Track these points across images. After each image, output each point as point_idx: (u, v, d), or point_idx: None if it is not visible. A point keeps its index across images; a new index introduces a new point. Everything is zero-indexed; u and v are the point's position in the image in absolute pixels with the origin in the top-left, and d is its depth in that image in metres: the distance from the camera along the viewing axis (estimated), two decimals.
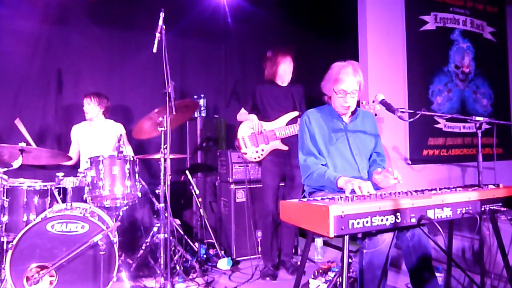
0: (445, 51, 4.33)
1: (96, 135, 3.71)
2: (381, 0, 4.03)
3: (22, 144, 2.81)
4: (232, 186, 3.68)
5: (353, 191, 1.97)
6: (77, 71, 4.16)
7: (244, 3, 4.72)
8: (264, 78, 3.45)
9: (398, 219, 1.73)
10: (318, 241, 3.85)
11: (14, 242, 2.52)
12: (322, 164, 2.34)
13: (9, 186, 2.93)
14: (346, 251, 1.66)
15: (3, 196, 2.83)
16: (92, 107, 3.62)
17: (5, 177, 2.85)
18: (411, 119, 2.20)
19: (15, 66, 3.93)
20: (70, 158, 3.34)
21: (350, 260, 2.73)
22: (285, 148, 3.35)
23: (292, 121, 3.36)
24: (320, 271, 3.04)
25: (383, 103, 2.23)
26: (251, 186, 3.71)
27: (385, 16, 4.04)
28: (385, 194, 1.88)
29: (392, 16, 4.08)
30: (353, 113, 2.47)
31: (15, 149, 2.87)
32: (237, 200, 3.69)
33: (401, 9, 4.10)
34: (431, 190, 2.03)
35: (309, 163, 2.34)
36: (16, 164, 2.81)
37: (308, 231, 1.99)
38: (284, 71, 3.35)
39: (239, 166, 3.72)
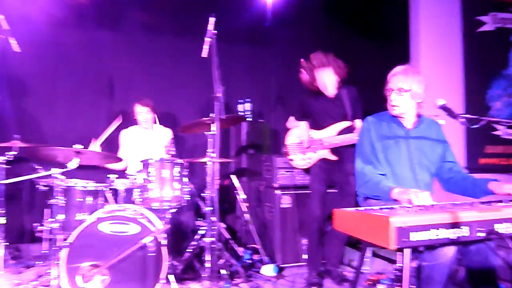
0: (504, 54, 4.08)
1: (145, 140, 3.80)
2: (435, 1, 3.86)
3: (77, 147, 2.92)
4: (277, 191, 3.64)
5: (409, 202, 1.87)
6: (127, 78, 4.30)
7: (290, 7, 4.69)
8: (307, 87, 3.31)
9: (463, 233, 1.61)
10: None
11: (70, 241, 2.61)
12: (380, 174, 2.25)
13: (65, 186, 3.05)
14: (407, 265, 1.56)
15: (61, 196, 2.94)
16: (145, 113, 3.71)
17: (63, 177, 2.97)
18: (475, 125, 2.07)
19: (71, 73, 4.13)
20: (120, 160, 3.43)
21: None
22: (334, 158, 3.23)
23: (344, 131, 3.23)
24: (370, 282, 2.93)
25: (444, 108, 2.11)
26: (297, 191, 3.65)
27: (439, 17, 3.87)
28: (447, 205, 1.76)
29: (447, 17, 3.91)
30: (417, 119, 2.37)
31: (71, 151, 2.98)
32: (282, 206, 3.64)
33: (456, 10, 3.92)
34: (497, 202, 1.89)
35: (366, 171, 2.27)
36: (71, 165, 2.91)
37: (363, 242, 1.91)
38: (324, 82, 3.19)
39: (284, 171, 3.68)
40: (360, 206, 2.35)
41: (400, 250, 1.55)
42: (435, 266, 1.82)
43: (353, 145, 3.19)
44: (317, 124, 3.32)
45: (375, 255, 3.97)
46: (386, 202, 2.09)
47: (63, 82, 4.13)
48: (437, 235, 1.56)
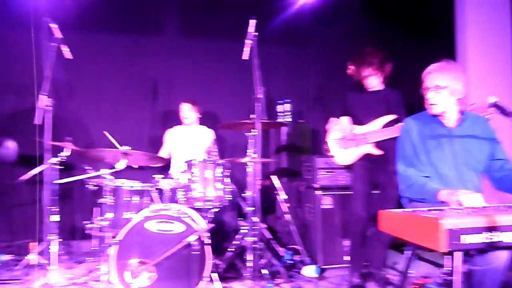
0: None
1: (188, 139, 3.90)
2: None
3: (125, 148, 3.04)
4: (318, 192, 3.62)
5: (459, 204, 1.81)
6: (170, 80, 4.43)
7: (329, 7, 4.65)
8: (353, 83, 3.34)
9: None
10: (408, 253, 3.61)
11: (119, 238, 2.72)
12: (424, 176, 2.19)
13: (113, 186, 3.18)
14: (457, 269, 1.52)
15: (109, 195, 3.08)
16: (190, 113, 3.82)
17: (111, 177, 3.10)
18: None
19: (117, 76, 4.31)
20: (165, 161, 3.54)
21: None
22: (379, 152, 3.16)
23: (388, 125, 3.16)
24: (415, 286, 2.85)
25: (496, 105, 2.02)
26: (339, 192, 3.61)
27: (487, 9, 3.69)
28: (501, 207, 1.69)
29: (495, 10, 3.72)
30: (459, 117, 2.28)
31: (118, 152, 3.12)
32: (323, 207, 3.61)
33: (506, 3, 3.73)
34: None
35: (410, 174, 2.21)
36: (119, 166, 3.04)
37: (411, 245, 1.87)
38: (372, 82, 3.22)
39: (325, 171, 3.65)
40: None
41: (450, 253, 1.51)
42: (487, 271, 1.75)
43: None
44: (360, 120, 3.26)
45: (419, 258, 3.87)
46: (432, 205, 2.03)
47: (109, 85, 4.32)
48: (490, 238, 1.50)
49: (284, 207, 3.71)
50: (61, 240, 3.38)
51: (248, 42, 2.92)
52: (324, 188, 3.62)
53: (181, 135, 3.95)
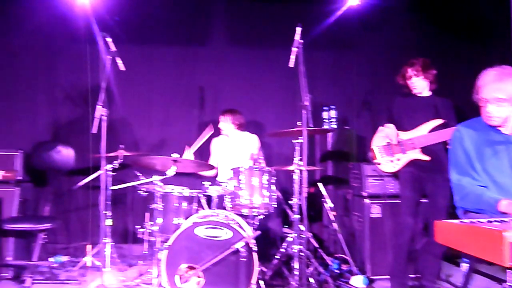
0: None
1: (233, 147, 3.96)
2: None
3: (175, 155, 3.13)
4: (366, 200, 3.54)
5: None
6: (217, 88, 4.53)
7: (375, 10, 4.56)
8: (400, 89, 3.25)
9: None
10: (464, 266, 3.43)
11: (169, 243, 2.80)
12: (480, 185, 2.08)
13: (163, 192, 3.28)
14: None
15: (160, 201, 3.18)
16: (226, 124, 3.89)
17: (161, 184, 3.21)
18: None
19: (166, 86, 4.47)
20: (213, 168, 3.61)
21: None
22: (426, 158, 3.04)
23: (436, 130, 3.05)
24: None
25: None
26: (388, 201, 3.50)
27: None
28: None
29: None
30: None
31: (169, 159, 3.21)
32: (372, 216, 3.52)
33: None
34: None
35: (464, 184, 2.11)
36: (170, 173, 3.13)
37: (469, 257, 1.78)
38: (416, 84, 3.12)
39: (373, 179, 3.56)
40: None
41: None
42: None
43: (446, 149, 3.01)
44: (407, 126, 3.16)
45: (475, 271, 3.66)
46: (491, 216, 1.92)
47: (158, 95, 4.48)
48: None
49: (331, 215, 3.65)
50: (114, 243, 3.54)
51: (294, 49, 2.93)
52: (372, 196, 3.53)
53: (226, 143, 4.02)
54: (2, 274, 3.37)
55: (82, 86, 4.34)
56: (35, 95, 4.33)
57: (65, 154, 3.88)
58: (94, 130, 3.04)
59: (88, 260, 3.58)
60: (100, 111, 3.10)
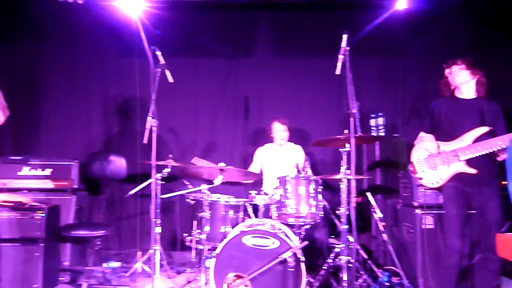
0: None
1: (279, 156, 3.96)
2: None
3: (222, 164, 3.18)
4: (418, 210, 3.39)
5: None
6: (261, 98, 4.57)
7: (423, 14, 4.42)
8: (443, 93, 3.05)
9: None
10: None
11: (217, 252, 2.83)
12: None
13: (210, 200, 3.33)
14: None
15: (207, 210, 3.23)
16: (286, 133, 3.91)
17: (208, 192, 3.26)
18: None
19: (212, 97, 4.57)
20: (258, 177, 3.62)
21: None
22: (472, 171, 2.80)
23: (481, 139, 2.81)
24: None
25: None
26: (441, 211, 3.33)
27: None
28: None
29: None
30: None
31: (215, 169, 3.26)
32: (424, 227, 3.37)
33: None
34: None
35: None
36: (217, 181, 3.18)
37: None
38: (459, 79, 2.90)
39: (425, 189, 3.40)
40: None
41: None
42: None
43: (494, 159, 2.82)
44: (449, 135, 2.94)
45: None
46: None
47: (204, 105, 4.59)
48: None
49: (380, 225, 3.53)
50: (163, 250, 3.62)
51: (340, 57, 2.89)
52: (424, 207, 3.38)
53: (272, 153, 4.03)
54: (60, 278, 3.55)
55: (132, 98, 4.54)
56: (89, 108, 4.58)
57: (117, 163, 4.05)
58: (145, 140, 3.14)
59: (138, 266, 3.70)
60: (150, 122, 3.21)
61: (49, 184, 3.72)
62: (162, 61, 3.41)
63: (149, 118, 3.22)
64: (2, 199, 3.32)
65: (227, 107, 4.58)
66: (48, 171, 3.73)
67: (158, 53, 3.39)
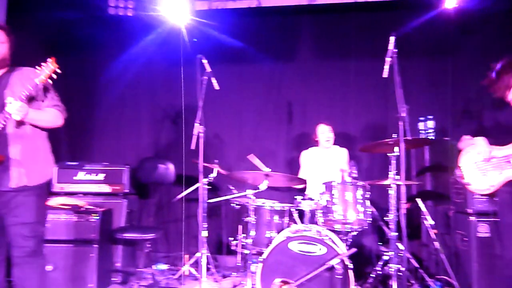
0: None
1: (323, 160, 3.92)
2: None
3: (267, 170, 3.20)
4: (472, 218, 3.23)
5: None
6: (304, 103, 4.55)
7: (474, 12, 4.22)
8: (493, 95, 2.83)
9: None
10: None
11: (263, 257, 2.84)
12: None
13: (256, 205, 3.35)
14: None
15: (252, 214, 3.25)
16: (331, 134, 3.87)
17: (253, 197, 3.28)
18: None
19: (255, 102, 4.61)
20: (304, 182, 3.60)
21: None
22: None
23: None
24: None
25: None
26: (498, 219, 3.15)
27: None
28: None
29: None
30: None
31: (260, 174, 3.28)
32: (479, 235, 3.20)
33: None
34: None
35: None
36: (262, 187, 3.19)
37: None
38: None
39: (480, 195, 3.23)
40: None
41: None
42: None
43: None
44: (502, 140, 2.76)
45: None
46: None
47: (248, 111, 4.65)
48: None
49: (432, 233, 3.40)
50: (209, 254, 3.69)
51: (388, 59, 2.82)
52: (479, 214, 3.21)
53: (316, 157, 3.99)
54: (112, 279, 3.70)
55: (178, 105, 4.66)
56: (139, 116, 4.78)
57: (166, 168, 4.18)
58: (193, 146, 3.23)
59: (186, 269, 3.79)
60: (198, 128, 3.29)
61: (102, 188, 3.91)
62: (208, 69, 3.49)
63: (196, 125, 3.30)
64: (60, 202, 3.53)
65: (271, 113, 4.60)
66: (101, 176, 3.93)
67: (205, 61, 3.48)
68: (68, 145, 4.65)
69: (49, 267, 3.08)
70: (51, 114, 2.39)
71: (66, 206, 3.44)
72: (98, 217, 3.38)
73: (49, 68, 2.22)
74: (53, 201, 3.49)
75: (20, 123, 2.27)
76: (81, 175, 3.93)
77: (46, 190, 2.44)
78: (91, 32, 4.76)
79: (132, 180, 4.07)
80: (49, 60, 2.24)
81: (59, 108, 2.43)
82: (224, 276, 3.85)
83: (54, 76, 2.28)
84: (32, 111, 2.27)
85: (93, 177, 3.93)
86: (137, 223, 4.27)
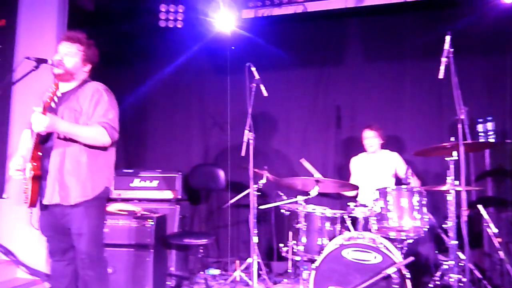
0: None
1: (373, 165, 3.82)
2: None
3: (317, 176, 3.16)
4: None
5: None
6: (353, 106, 4.46)
7: None
8: None
9: None
10: None
11: (317, 264, 2.80)
12: None
13: (306, 212, 3.32)
14: None
15: (303, 221, 3.22)
16: (374, 140, 3.77)
17: (304, 204, 3.25)
18: None
19: (302, 107, 4.59)
20: (356, 188, 3.53)
21: None
22: None
23: None
24: None
25: None
26: None
27: None
28: None
29: None
30: None
31: (311, 180, 3.25)
32: None
33: None
34: None
35: None
36: (313, 193, 3.16)
37: None
38: None
39: None
40: None
41: None
42: None
43: None
44: None
45: None
46: None
47: (296, 116, 4.62)
48: None
49: (496, 242, 3.20)
50: (260, 260, 3.69)
51: (443, 59, 2.71)
52: None
53: (366, 162, 3.90)
54: (167, 283, 3.81)
55: (226, 113, 4.75)
56: (189, 124, 4.91)
57: (216, 175, 4.25)
58: (243, 153, 3.26)
59: (237, 274, 3.82)
60: (247, 135, 3.32)
61: (156, 195, 4.05)
62: (256, 76, 3.53)
63: (246, 131, 3.34)
64: (118, 208, 3.70)
65: (318, 117, 4.55)
66: (155, 183, 4.08)
67: (253, 68, 3.51)
68: (125, 153, 4.86)
69: (109, 270, 3.22)
70: (93, 131, 2.24)
71: (123, 212, 3.59)
72: (153, 223, 3.49)
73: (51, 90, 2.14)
74: (111, 207, 3.66)
75: (59, 137, 2.23)
76: (136, 182, 4.10)
77: (100, 201, 2.37)
78: (143, 44, 4.98)
79: (184, 186, 4.18)
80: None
81: (106, 125, 2.26)
82: (275, 283, 3.85)
83: (56, 99, 2.24)
84: (64, 123, 2.19)
85: (147, 183, 4.09)
86: (189, 228, 4.37)
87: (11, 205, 3.91)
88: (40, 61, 2.21)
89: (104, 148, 2.34)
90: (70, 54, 2.34)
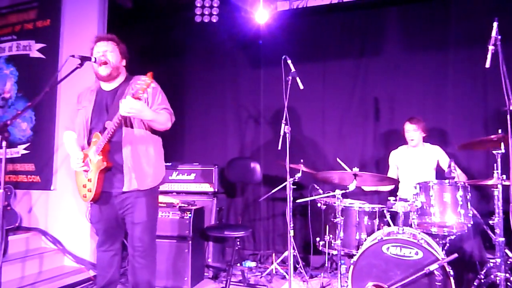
0: None
1: (415, 159, 3.70)
2: None
3: (356, 169, 3.10)
4: None
5: None
6: (392, 98, 4.32)
7: None
8: None
9: None
10: None
11: (355, 259, 2.77)
12: None
13: (343, 206, 3.28)
14: None
15: (339, 215, 3.18)
16: (416, 133, 3.65)
17: (340, 198, 3.21)
18: None
19: (340, 100, 4.50)
20: (396, 182, 3.44)
21: None
22: None
23: None
24: None
25: None
26: None
27: None
28: None
29: None
30: None
31: (348, 174, 3.20)
32: None
33: None
34: None
35: None
36: (351, 187, 3.11)
37: None
38: None
39: None
40: None
41: None
42: None
43: None
44: None
45: None
46: None
47: (332, 109, 4.54)
48: None
49: None
50: (296, 253, 3.69)
51: (490, 47, 2.56)
52: None
53: (406, 156, 3.78)
54: (204, 274, 3.89)
55: (261, 106, 4.76)
56: (224, 117, 4.94)
57: (253, 168, 4.27)
58: (280, 146, 3.25)
59: (273, 267, 3.84)
60: (284, 128, 3.30)
61: (194, 188, 4.13)
62: (292, 69, 3.49)
63: (282, 125, 3.32)
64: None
65: (355, 110, 4.44)
66: (192, 176, 4.15)
67: (289, 61, 3.48)
68: (164, 147, 4.97)
69: None
70: (163, 116, 2.45)
71: (162, 204, 3.68)
72: (191, 215, 3.57)
73: (146, 81, 2.20)
74: None
75: (133, 127, 2.42)
76: (174, 175, 4.20)
77: (157, 192, 2.61)
78: (179, 39, 5.06)
79: (221, 180, 4.24)
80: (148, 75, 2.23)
81: (169, 111, 2.51)
82: (312, 276, 3.83)
83: (149, 90, 2.35)
84: (148, 109, 2.34)
85: (185, 177, 4.17)
86: (225, 221, 4.43)
87: (59, 197, 4.11)
88: (85, 59, 2.31)
89: (160, 141, 2.59)
90: (110, 50, 2.47)
